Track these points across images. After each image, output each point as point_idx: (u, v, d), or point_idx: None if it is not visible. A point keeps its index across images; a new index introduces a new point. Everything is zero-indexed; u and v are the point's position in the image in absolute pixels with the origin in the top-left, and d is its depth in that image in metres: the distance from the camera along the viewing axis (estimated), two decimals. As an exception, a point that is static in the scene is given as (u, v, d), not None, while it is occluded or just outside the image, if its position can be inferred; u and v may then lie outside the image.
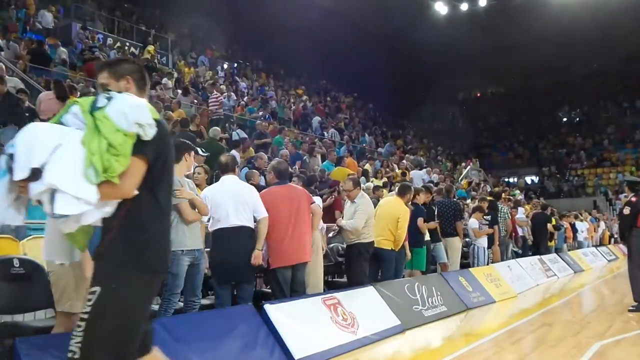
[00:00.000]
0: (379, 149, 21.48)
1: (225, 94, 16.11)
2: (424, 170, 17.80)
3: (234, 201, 5.36)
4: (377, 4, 25.89)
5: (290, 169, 8.27)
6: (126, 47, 18.53)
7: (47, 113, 8.76)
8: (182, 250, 4.79)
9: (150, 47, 17.90)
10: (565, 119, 40.04)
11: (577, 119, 39.56)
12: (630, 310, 7.76)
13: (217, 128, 10.64)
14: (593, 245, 19.27)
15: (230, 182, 5.53)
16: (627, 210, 8.07)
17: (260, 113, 16.62)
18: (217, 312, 5.08)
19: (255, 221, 5.52)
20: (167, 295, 4.83)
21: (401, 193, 7.85)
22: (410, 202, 8.14)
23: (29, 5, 16.39)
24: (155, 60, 18.01)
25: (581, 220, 19.15)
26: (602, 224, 20.51)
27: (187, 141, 5.39)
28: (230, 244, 5.29)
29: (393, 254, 7.56)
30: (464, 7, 30.49)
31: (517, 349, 5.79)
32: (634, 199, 8.08)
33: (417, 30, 30.08)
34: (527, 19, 29.29)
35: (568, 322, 7.50)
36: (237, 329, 4.84)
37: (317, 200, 6.95)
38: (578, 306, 9.47)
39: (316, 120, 20.42)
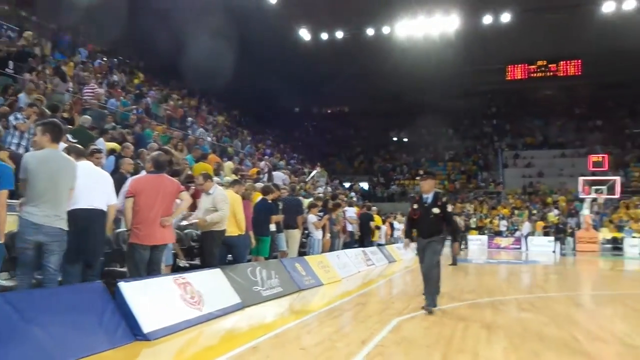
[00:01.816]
0: (244, 150, 21.46)
1: (97, 88, 14.83)
2: (281, 171, 18.12)
3: (88, 185, 5.10)
4: (249, 26, 25.73)
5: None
6: (3, 30, 16.49)
7: None
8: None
9: (27, 33, 16.03)
10: (395, 139, 42.87)
11: (404, 139, 42.59)
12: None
13: (88, 117, 9.83)
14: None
15: (85, 167, 5.25)
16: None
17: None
18: (65, 288, 4.74)
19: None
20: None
21: (232, 185, 8.07)
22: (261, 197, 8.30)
23: None
24: (35, 47, 16.20)
25: (399, 222, 20.68)
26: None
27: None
28: (83, 224, 4.99)
29: (241, 239, 7.64)
30: (325, 36, 31.49)
31: (335, 323, 6.11)
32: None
33: (283, 52, 30.53)
34: (375, 51, 30.95)
35: (377, 302, 8.06)
36: (85, 305, 4.57)
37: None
38: (387, 289, 10.17)
39: (190, 120, 20.03)
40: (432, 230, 6.79)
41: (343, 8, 27.47)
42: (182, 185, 6.29)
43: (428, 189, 6.86)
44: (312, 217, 10.97)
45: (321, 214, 11.24)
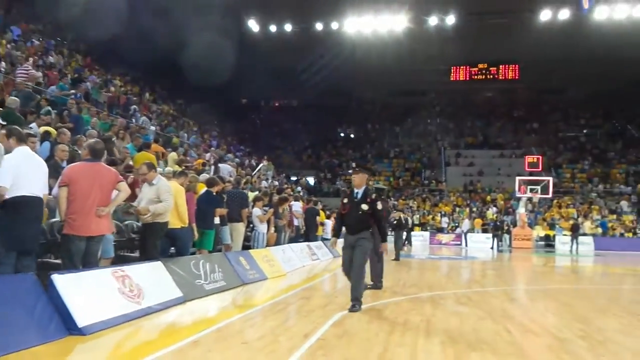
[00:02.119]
0: (189, 141, 20.99)
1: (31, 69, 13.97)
2: (227, 163, 17.91)
3: (28, 171, 4.89)
4: (196, 14, 25.09)
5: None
6: None
7: None
8: None
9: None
10: (342, 135, 43.24)
11: (351, 135, 43.04)
12: (367, 288, 8.65)
13: (15, 98, 9.24)
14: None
15: (25, 153, 5.00)
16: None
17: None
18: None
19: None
20: None
21: (176, 176, 7.87)
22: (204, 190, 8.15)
23: None
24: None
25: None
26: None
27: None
28: (25, 212, 4.80)
29: (184, 231, 7.48)
30: (273, 28, 31.27)
31: (278, 317, 6.09)
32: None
33: (231, 43, 29.97)
34: (324, 46, 30.98)
35: (321, 296, 8.11)
36: (15, 298, 4.32)
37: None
38: (331, 284, 10.26)
39: (133, 108, 19.37)
40: (360, 227, 6.48)
41: (292, 1, 27.37)
42: (121, 175, 6.08)
43: (359, 183, 6.55)
44: (257, 211, 10.90)
45: (266, 207, 11.19)
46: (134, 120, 17.76)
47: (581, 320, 6.34)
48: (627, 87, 35.79)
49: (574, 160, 36.26)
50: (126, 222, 7.67)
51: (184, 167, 12.11)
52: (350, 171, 36.93)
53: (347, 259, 6.56)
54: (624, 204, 30.88)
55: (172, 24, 24.04)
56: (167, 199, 6.73)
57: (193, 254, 8.18)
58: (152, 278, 6.27)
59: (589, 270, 16.41)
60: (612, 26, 27.53)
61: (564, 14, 27.44)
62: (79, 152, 7.93)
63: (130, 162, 9.24)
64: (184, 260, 7.34)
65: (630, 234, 28.43)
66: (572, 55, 31.81)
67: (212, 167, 16.27)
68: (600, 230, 28.43)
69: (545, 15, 27.83)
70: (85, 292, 4.99)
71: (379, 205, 6.54)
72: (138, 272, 6.02)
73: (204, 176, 10.40)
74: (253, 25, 30.87)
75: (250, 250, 10.20)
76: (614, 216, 29.97)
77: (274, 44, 31.41)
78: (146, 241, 6.94)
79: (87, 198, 5.35)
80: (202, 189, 8.92)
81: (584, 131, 39.05)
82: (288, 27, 31.17)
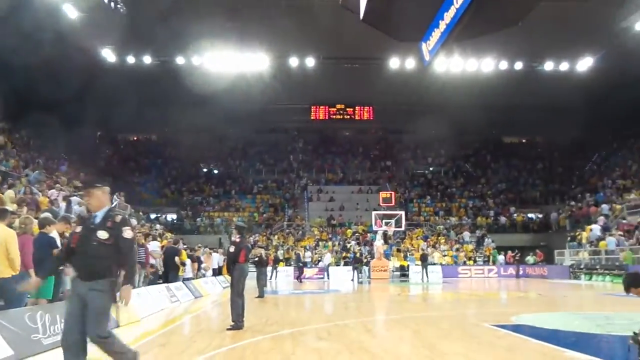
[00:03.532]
0: (31, 177, 18.85)
1: None
2: (78, 201, 16.42)
3: None
4: (44, 40, 23.10)
5: None
6: None
7: None
8: None
9: None
10: (205, 170, 42.40)
11: (214, 171, 42.42)
12: (228, 329, 8.39)
13: None
14: (212, 275, 20.33)
15: None
16: (232, 249, 8.88)
17: None
18: None
19: None
20: None
21: (1, 218, 6.78)
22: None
23: None
24: None
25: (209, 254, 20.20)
26: (218, 257, 21.48)
27: None
28: None
29: (16, 280, 6.59)
30: (131, 60, 30.04)
31: (129, 370, 5.62)
32: (238, 239, 8.95)
33: (84, 72, 28.03)
34: (185, 80, 30.31)
35: (179, 341, 7.65)
36: None
37: None
38: (191, 326, 9.78)
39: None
40: (94, 267, 4.30)
41: (150, 32, 26.56)
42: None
43: (98, 203, 4.57)
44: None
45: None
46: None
47: (428, 346, 6.79)
48: (464, 131, 40.53)
49: (422, 195, 39.58)
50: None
51: (25, 206, 10.89)
52: (210, 207, 36.21)
53: (70, 323, 4.31)
54: (465, 234, 34.29)
55: (16, 48, 21.81)
56: None
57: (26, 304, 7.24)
58: (-26, 337, 5.41)
59: (437, 297, 17.79)
60: (450, 77, 31.09)
61: (410, 63, 30.29)
62: None
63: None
64: (16, 312, 6.44)
65: (472, 262, 31.56)
66: (418, 101, 35.27)
67: (64, 205, 14.83)
68: (449, 259, 31.15)
69: (394, 63, 30.48)
70: None
71: (127, 234, 4.43)
72: (-45, 331, 5.15)
73: (45, 215, 9.39)
74: (108, 54, 29.31)
75: (99, 297, 9.31)
76: (458, 246, 33.09)
77: (132, 76, 30.06)
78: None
79: None
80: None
81: (430, 169, 43.03)
82: (147, 59, 30.19)
